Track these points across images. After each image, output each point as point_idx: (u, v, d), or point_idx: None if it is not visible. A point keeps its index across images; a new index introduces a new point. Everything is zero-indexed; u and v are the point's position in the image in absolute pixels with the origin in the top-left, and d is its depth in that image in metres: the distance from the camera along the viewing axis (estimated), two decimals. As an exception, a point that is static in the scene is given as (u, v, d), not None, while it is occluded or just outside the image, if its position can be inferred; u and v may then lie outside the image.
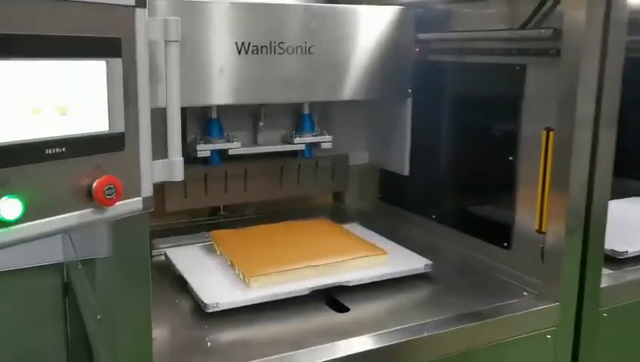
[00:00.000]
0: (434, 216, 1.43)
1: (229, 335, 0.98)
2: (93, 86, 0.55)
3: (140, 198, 0.59)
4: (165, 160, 0.63)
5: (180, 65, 1.20)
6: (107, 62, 0.55)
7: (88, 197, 0.56)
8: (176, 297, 1.10)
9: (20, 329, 1.46)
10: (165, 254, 1.25)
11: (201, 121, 1.35)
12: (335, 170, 1.57)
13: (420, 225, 1.47)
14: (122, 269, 0.72)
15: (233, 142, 1.33)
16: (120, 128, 0.57)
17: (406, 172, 1.46)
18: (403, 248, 1.28)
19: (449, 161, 1.38)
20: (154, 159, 0.61)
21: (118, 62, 0.56)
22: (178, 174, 0.64)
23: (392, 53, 1.36)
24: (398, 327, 0.99)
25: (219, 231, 1.29)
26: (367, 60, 1.33)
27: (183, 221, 1.48)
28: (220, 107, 1.34)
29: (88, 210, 0.56)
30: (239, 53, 1.20)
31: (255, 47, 1.21)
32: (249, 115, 1.42)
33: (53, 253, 1.42)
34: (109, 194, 0.55)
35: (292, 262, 1.12)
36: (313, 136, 1.43)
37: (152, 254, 1.30)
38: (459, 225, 1.35)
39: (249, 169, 1.44)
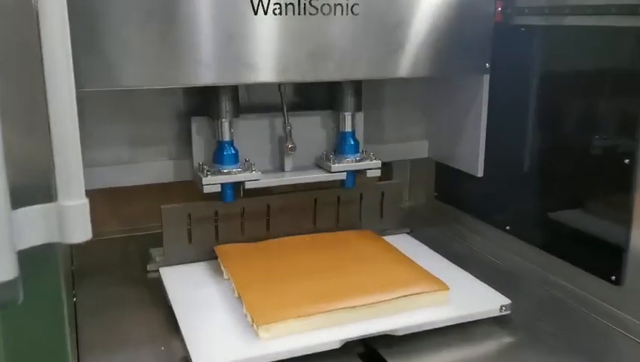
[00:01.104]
0: (508, 228, 1.11)
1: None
2: None
3: (-14, 290, 0.30)
4: (49, 205, 0.33)
5: (172, 30, 0.97)
6: None
7: None
8: (164, 341, 0.83)
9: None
10: (159, 274, 0.98)
11: (210, 141, 1.05)
12: (385, 203, 1.18)
13: (489, 237, 1.15)
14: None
15: (252, 171, 1.01)
16: None
17: (479, 173, 1.11)
18: (469, 276, 0.97)
19: (534, 159, 1.05)
20: (19, 206, 0.31)
21: None
22: (79, 233, 0.34)
23: (466, 15, 1.01)
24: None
25: (227, 246, 1.00)
26: (431, 24, 0.99)
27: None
28: (236, 124, 1.03)
29: None
30: (256, 13, 0.89)
31: (278, 5, 0.89)
32: (274, 132, 1.10)
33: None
34: None
35: (319, 299, 0.82)
36: (357, 161, 1.09)
37: (148, 269, 1.03)
38: (545, 244, 1.02)
39: (272, 204, 1.08)
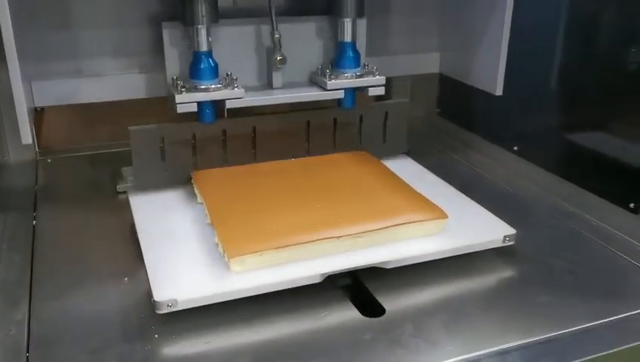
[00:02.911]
0: (516, 148, 1.00)
1: (182, 352, 0.62)
2: None
3: None
4: None
5: None
6: None
7: None
8: (129, 272, 0.74)
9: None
10: (127, 199, 0.88)
11: (186, 53, 0.90)
12: (389, 126, 1.02)
13: (495, 158, 1.05)
14: None
15: (234, 87, 0.87)
16: None
17: (498, 90, 0.96)
18: (471, 202, 0.87)
19: (550, 72, 0.93)
20: None
21: None
22: None
23: None
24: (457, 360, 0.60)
25: (204, 171, 0.89)
26: None
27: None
28: (215, 31, 0.89)
29: None
30: None
31: None
32: (261, 41, 0.95)
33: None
34: None
35: (300, 228, 0.73)
36: (358, 76, 0.94)
37: (118, 190, 0.94)
38: (556, 166, 0.92)
39: (259, 126, 0.94)
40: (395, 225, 0.75)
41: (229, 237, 0.71)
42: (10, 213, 0.89)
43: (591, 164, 0.87)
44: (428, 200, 0.81)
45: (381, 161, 0.96)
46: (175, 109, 0.85)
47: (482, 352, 0.61)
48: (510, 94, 0.99)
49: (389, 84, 1.02)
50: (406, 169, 0.97)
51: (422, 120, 1.24)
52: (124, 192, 0.93)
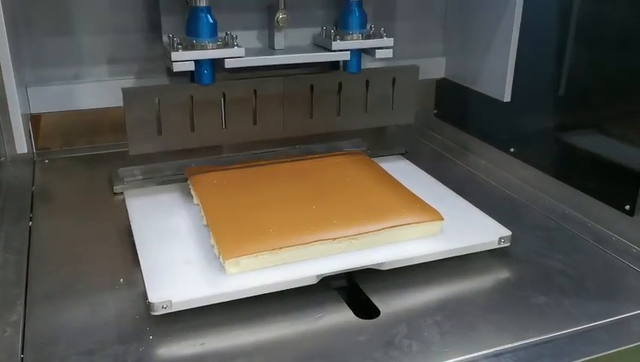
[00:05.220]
0: (512, 150, 1.00)
1: (178, 354, 0.62)
2: None
3: None
4: None
5: None
6: None
7: None
8: (124, 273, 0.74)
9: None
10: (124, 198, 0.88)
11: (182, 10, 0.86)
12: (397, 92, 0.98)
13: (491, 159, 1.05)
14: None
15: (233, 46, 0.83)
16: None
17: (507, 97, 0.93)
18: (467, 204, 0.87)
19: (546, 73, 0.92)
20: None
21: None
22: None
23: None
24: (454, 363, 0.61)
25: (200, 175, 0.88)
26: None
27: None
28: None
29: None
30: None
31: None
32: (262, 3, 0.91)
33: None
34: None
35: (296, 230, 0.73)
36: (364, 38, 0.90)
37: (115, 191, 0.94)
38: (552, 168, 0.92)
39: (260, 90, 0.91)
40: (391, 227, 0.75)
41: (224, 238, 0.71)
42: (6, 214, 0.89)
43: (587, 165, 0.87)
44: (424, 202, 0.81)
45: (377, 163, 0.96)
46: (171, 68, 0.80)
47: (477, 354, 0.61)
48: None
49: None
50: (402, 170, 0.97)
51: (419, 121, 1.24)
52: (121, 193, 0.93)
